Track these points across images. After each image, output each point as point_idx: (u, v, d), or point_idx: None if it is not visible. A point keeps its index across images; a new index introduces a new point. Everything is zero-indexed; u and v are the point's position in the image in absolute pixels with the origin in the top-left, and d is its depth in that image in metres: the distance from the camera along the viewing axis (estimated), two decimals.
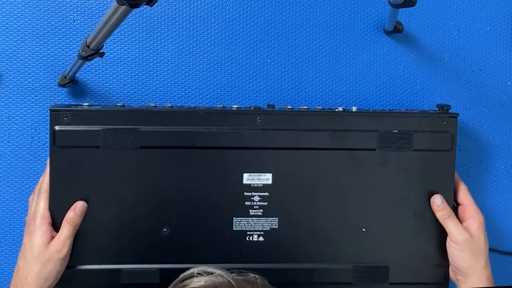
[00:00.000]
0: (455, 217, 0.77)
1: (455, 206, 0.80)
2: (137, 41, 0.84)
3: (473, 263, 0.75)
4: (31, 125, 0.83)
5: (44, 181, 0.75)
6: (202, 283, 0.57)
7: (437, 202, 0.77)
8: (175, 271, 0.75)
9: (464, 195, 0.79)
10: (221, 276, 0.58)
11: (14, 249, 0.83)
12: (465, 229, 0.76)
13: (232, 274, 0.59)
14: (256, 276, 0.61)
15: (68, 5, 0.83)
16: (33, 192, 0.77)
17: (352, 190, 0.78)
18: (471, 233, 0.75)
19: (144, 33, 0.84)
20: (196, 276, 0.59)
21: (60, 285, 0.75)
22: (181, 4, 0.85)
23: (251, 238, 0.77)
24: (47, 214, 0.73)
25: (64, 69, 0.82)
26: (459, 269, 0.76)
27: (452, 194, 0.79)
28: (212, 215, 0.77)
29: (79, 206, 0.73)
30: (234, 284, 0.57)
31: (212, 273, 0.59)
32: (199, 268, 0.60)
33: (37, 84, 0.83)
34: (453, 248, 0.76)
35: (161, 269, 0.76)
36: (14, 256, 0.83)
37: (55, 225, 0.74)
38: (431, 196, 0.78)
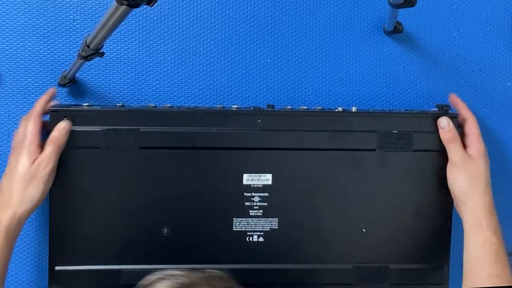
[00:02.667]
0: (459, 142, 0.76)
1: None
2: (137, 41, 0.84)
3: (470, 187, 0.74)
4: None
5: (38, 103, 0.74)
6: (165, 285, 0.57)
7: (443, 123, 0.77)
8: None
9: (470, 126, 0.78)
10: (184, 276, 0.58)
11: (14, 249, 0.83)
12: (465, 152, 0.76)
13: (197, 273, 0.58)
14: (220, 272, 0.60)
15: (68, 5, 0.83)
16: (25, 115, 0.75)
17: (352, 190, 0.78)
18: (470, 157, 0.75)
19: (144, 33, 0.84)
20: (159, 280, 0.58)
21: (60, 285, 0.75)
22: (181, 4, 0.85)
23: (251, 239, 0.77)
24: (36, 137, 0.72)
25: (64, 69, 0.82)
26: (458, 196, 0.75)
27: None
28: (212, 216, 0.77)
29: (63, 124, 0.72)
30: (200, 281, 0.56)
31: (174, 275, 0.58)
32: (160, 273, 0.59)
33: (37, 84, 0.83)
34: (450, 171, 0.76)
35: (161, 270, 0.76)
36: (14, 256, 0.83)
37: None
38: (431, 197, 0.78)
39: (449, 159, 0.76)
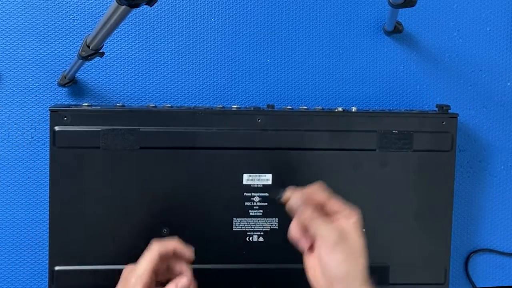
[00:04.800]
0: (320, 217, 0.59)
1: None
2: (137, 41, 0.84)
3: (351, 268, 0.57)
4: (31, 125, 0.83)
5: (161, 245, 0.65)
6: None
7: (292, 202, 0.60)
8: None
9: (330, 199, 0.62)
10: None
11: (14, 249, 0.83)
12: (335, 226, 0.58)
13: None
14: None
15: (68, 5, 0.83)
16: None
17: (352, 190, 0.78)
18: (345, 230, 0.58)
19: (144, 33, 0.84)
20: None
21: (60, 285, 0.75)
22: (181, 4, 0.85)
23: (251, 239, 0.77)
24: (146, 276, 0.63)
25: (64, 69, 0.82)
26: (334, 280, 0.57)
27: (452, 195, 0.79)
28: (212, 216, 0.77)
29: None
30: None
31: None
32: None
33: (37, 84, 0.83)
34: (324, 253, 0.57)
35: None
36: (14, 256, 0.83)
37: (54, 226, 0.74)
38: (431, 196, 0.78)
39: (316, 239, 0.58)
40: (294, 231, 0.61)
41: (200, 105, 0.85)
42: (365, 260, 0.59)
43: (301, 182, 0.77)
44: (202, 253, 0.76)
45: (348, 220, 0.59)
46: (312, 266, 0.60)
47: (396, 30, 0.85)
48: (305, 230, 0.60)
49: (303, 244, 0.60)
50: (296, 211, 0.60)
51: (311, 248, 0.60)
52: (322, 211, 0.61)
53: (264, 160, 0.77)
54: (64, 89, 0.83)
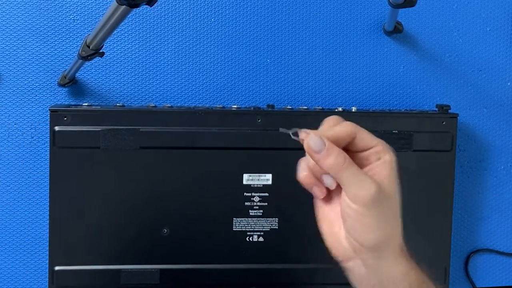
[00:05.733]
0: (353, 164, 0.44)
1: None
2: (137, 41, 0.84)
3: (385, 236, 0.45)
4: (31, 125, 0.83)
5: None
6: None
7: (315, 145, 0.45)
8: (175, 271, 0.76)
9: (364, 134, 0.48)
10: None
11: (14, 249, 0.83)
12: (371, 178, 0.44)
13: None
14: None
15: (68, 5, 0.83)
16: None
17: None
18: (380, 184, 0.44)
19: (144, 33, 0.84)
20: None
21: (60, 285, 0.75)
22: (181, 4, 0.85)
23: (251, 239, 0.77)
24: None
25: (64, 69, 0.82)
26: (362, 248, 0.45)
27: (452, 195, 0.79)
28: (212, 216, 0.77)
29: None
30: None
31: None
32: None
33: (37, 84, 0.83)
34: (352, 214, 0.44)
35: (161, 270, 0.76)
36: (14, 256, 0.83)
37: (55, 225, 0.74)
38: (431, 196, 0.78)
39: (343, 193, 0.45)
40: (305, 175, 0.49)
41: (200, 105, 0.85)
42: (401, 222, 0.46)
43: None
44: (202, 253, 0.77)
45: (383, 166, 0.45)
46: (329, 221, 0.47)
47: (396, 30, 0.85)
48: (319, 174, 0.47)
49: (317, 192, 0.48)
50: (317, 153, 0.45)
51: (328, 196, 0.48)
52: (347, 150, 0.46)
53: (264, 160, 0.77)
54: (64, 89, 0.83)
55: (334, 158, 0.44)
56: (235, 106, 0.79)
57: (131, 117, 0.75)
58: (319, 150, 0.45)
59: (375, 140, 0.47)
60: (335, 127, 0.47)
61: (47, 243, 0.76)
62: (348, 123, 0.47)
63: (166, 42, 0.85)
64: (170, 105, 0.79)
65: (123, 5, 0.51)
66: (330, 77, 0.87)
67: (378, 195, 0.44)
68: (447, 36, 0.89)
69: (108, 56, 0.83)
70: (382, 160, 0.46)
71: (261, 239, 0.77)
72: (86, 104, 0.79)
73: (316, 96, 0.87)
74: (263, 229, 0.77)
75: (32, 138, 0.83)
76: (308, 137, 0.46)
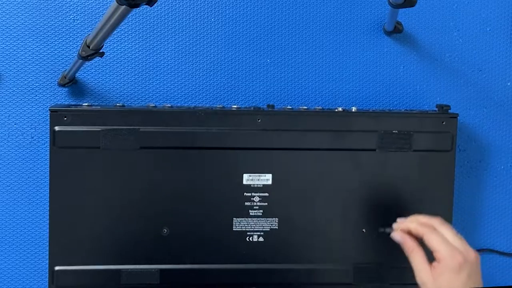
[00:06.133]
0: (418, 253, 0.62)
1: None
2: (137, 41, 0.84)
3: None
4: (31, 125, 0.83)
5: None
6: None
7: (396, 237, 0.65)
8: (175, 271, 0.76)
9: (431, 237, 0.62)
10: None
11: (14, 249, 0.83)
12: (425, 272, 0.60)
13: None
14: None
15: (68, 5, 0.83)
16: None
17: (352, 190, 0.78)
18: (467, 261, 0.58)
19: (144, 33, 0.84)
20: None
21: (60, 285, 0.75)
22: (181, 4, 0.85)
23: (251, 239, 0.77)
24: None
25: (64, 69, 0.82)
26: None
27: (452, 195, 0.79)
28: (212, 216, 0.77)
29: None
30: None
31: None
32: None
33: (37, 84, 0.83)
34: (445, 273, 0.58)
35: (161, 270, 0.76)
36: (14, 256, 0.83)
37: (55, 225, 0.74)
38: (431, 197, 0.78)
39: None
40: (399, 234, 0.65)
41: (200, 105, 0.85)
42: None
43: (301, 182, 0.78)
44: (202, 253, 0.77)
45: (441, 270, 0.58)
46: (425, 271, 0.60)
47: (396, 30, 0.85)
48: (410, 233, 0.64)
49: (408, 246, 0.63)
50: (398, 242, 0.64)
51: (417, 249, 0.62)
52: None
53: (264, 160, 0.77)
54: (64, 89, 0.83)
55: (406, 247, 0.63)
56: (235, 106, 0.79)
57: (131, 117, 0.75)
58: (399, 241, 0.64)
59: (439, 247, 0.59)
60: (411, 223, 0.64)
61: (47, 243, 0.76)
62: (423, 222, 0.64)
63: (166, 42, 0.85)
64: (170, 105, 0.79)
65: (123, 5, 0.51)
66: (330, 77, 0.87)
67: (464, 262, 0.57)
68: (447, 36, 0.89)
69: (108, 56, 0.83)
70: (442, 263, 0.58)
71: (261, 239, 0.78)
72: (86, 104, 0.79)
73: (316, 96, 0.87)
74: (263, 229, 0.77)
75: (32, 138, 0.83)
76: (392, 233, 0.66)
